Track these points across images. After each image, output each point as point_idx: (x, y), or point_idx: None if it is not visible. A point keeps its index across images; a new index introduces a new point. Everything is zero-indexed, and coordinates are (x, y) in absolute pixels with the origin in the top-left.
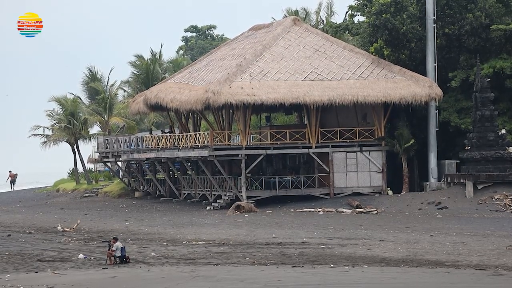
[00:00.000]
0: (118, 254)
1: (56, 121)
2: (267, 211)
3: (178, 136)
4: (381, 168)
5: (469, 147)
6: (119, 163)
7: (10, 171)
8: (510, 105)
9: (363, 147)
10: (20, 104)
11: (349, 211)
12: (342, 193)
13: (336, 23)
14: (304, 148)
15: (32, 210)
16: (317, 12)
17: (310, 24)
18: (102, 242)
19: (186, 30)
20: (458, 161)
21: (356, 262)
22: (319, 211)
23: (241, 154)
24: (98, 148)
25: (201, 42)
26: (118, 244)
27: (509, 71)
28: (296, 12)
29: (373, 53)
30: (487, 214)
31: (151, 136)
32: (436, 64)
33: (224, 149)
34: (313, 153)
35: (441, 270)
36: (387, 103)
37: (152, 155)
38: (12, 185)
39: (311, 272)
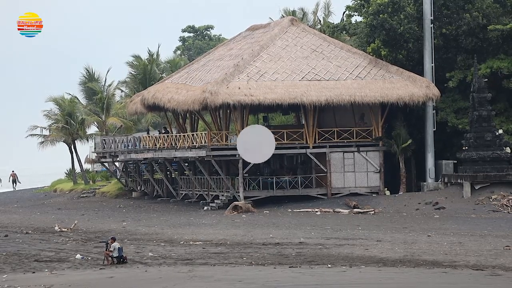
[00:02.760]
0: (115, 254)
1: (53, 121)
2: (265, 212)
3: (176, 136)
4: (379, 168)
5: (467, 147)
6: (117, 163)
7: (12, 171)
8: (507, 105)
9: (360, 147)
10: (17, 104)
11: (346, 211)
12: (339, 193)
13: (333, 23)
14: (302, 148)
15: (30, 210)
16: (315, 12)
17: (308, 24)
18: (100, 242)
19: (183, 30)
20: (456, 161)
21: (353, 262)
22: (316, 212)
23: (239, 154)
24: (95, 148)
25: (198, 42)
26: (116, 245)
27: (507, 71)
28: (293, 12)
29: (371, 54)
30: (484, 215)
31: (149, 136)
32: (433, 64)
33: (222, 149)
34: (310, 153)
35: (439, 271)
36: (385, 103)
37: (149, 155)
38: (14, 184)
39: (309, 272)
